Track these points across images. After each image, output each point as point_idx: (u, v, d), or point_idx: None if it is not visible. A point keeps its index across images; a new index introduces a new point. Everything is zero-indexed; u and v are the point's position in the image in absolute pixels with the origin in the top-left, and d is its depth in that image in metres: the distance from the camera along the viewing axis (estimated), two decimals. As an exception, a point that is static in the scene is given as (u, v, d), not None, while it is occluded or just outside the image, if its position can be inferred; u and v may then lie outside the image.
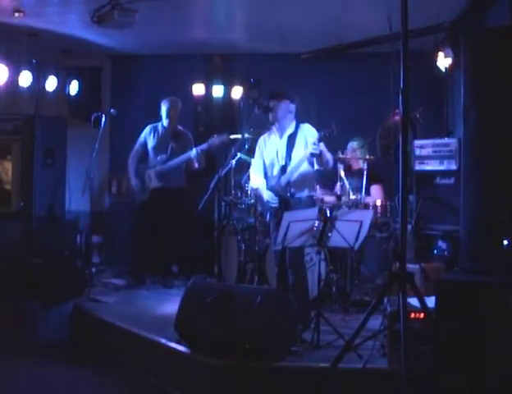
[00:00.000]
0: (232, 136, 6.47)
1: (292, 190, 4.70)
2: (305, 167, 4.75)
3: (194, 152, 6.20)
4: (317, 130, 4.70)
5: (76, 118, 7.49)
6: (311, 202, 4.86)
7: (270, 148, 4.93)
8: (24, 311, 5.32)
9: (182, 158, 6.28)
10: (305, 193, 4.79)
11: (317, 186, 5.56)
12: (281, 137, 4.86)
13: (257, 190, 5.00)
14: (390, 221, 5.57)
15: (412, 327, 3.40)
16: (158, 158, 6.39)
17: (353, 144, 6.30)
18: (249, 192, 6.02)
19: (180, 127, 6.54)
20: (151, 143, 6.47)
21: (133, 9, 5.44)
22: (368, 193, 5.86)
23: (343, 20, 6.31)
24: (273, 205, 4.78)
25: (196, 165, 6.39)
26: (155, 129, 6.50)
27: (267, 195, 4.82)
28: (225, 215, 6.56)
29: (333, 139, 4.57)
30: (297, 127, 4.82)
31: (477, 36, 3.99)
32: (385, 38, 3.69)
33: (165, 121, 6.43)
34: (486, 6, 5.32)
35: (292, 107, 4.86)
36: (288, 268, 4.71)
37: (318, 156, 4.56)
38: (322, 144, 4.54)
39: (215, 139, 6.12)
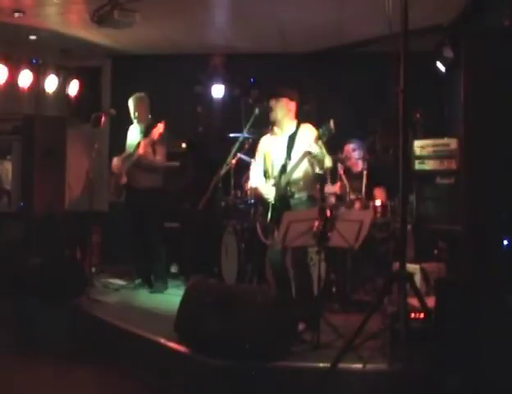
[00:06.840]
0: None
1: (292, 189, 4.68)
2: (305, 166, 4.72)
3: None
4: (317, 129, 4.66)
5: (76, 118, 7.50)
6: (312, 202, 4.78)
7: (271, 148, 4.89)
8: (24, 311, 5.32)
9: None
10: (306, 193, 4.73)
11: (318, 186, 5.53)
12: (281, 137, 4.83)
13: (256, 189, 4.95)
14: (390, 221, 5.57)
15: (412, 327, 3.41)
16: (128, 155, 6.25)
17: (348, 147, 6.26)
18: (248, 193, 6.00)
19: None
20: (128, 141, 6.35)
21: (133, 9, 5.45)
22: (371, 196, 5.84)
23: (343, 20, 6.31)
24: (270, 201, 4.71)
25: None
26: (133, 127, 6.36)
27: (265, 191, 4.76)
28: (225, 215, 6.55)
29: (333, 139, 4.55)
30: (298, 127, 4.79)
31: (477, 36, 3.98)
32: (385, 38, 3.68)
33: (133, 121, 6.28)
34: (486, 6, 5.32)
35: (292, 105, 4.78)
36: (291, 268, 4.66)
37: (315, 157, 4.52)
38: (320, 143, 4.43)
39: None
